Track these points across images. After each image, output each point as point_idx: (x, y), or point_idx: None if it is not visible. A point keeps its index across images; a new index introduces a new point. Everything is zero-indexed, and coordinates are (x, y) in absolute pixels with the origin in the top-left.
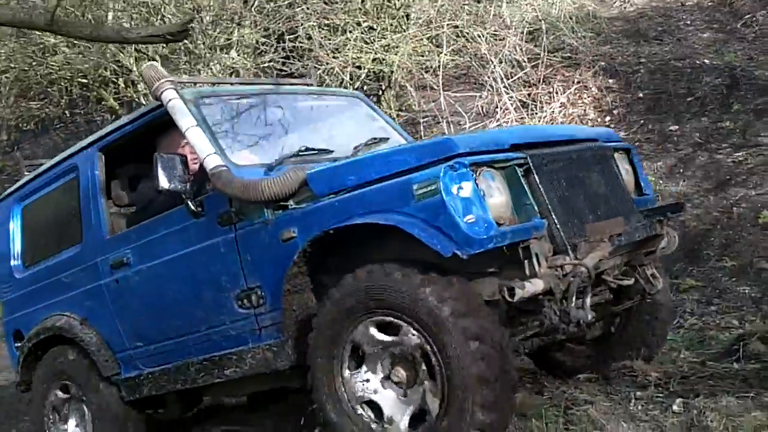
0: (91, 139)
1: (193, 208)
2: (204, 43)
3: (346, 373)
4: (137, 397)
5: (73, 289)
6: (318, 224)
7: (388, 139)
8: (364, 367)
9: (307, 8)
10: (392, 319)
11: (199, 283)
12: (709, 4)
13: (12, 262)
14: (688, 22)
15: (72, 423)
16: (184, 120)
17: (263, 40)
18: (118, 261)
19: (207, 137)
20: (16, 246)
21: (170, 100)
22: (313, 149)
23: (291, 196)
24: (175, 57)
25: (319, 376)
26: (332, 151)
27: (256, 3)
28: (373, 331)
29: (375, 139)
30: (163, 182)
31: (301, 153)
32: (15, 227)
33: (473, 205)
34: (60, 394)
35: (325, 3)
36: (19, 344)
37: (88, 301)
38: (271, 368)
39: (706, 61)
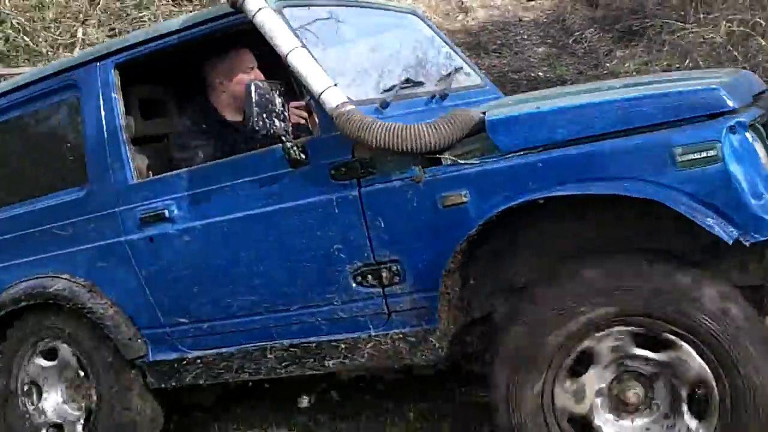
0: (102, 51)
1: (295, 154)
2: (46, 41)
3: (563, 385)
4: (173, 385)
5: (73, 244)
6: (506, 188)
7: (461, 68)
8: (586, 378)
9: (156, 11)
10: (657, 329)
11: (293, 249)
12: (544, 21)
13: None
14: (525, 37)
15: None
16: (284, 39)
17: (108, 40)
18: (154, 214)
19: (317, 64)
20: None
21: (259, 10)
22: (411, 80)
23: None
24: (15, 54)
25: (520, 384)
26: (424, 83)
27: (102, 2)
28: (623, 343)
29: (454, 68)
30: (259, 120)
31: (403, 86)
32: None
33: (759, 177)
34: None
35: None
36: None
37: (100, 262)
38: (402, 362)
39: (540, 73)
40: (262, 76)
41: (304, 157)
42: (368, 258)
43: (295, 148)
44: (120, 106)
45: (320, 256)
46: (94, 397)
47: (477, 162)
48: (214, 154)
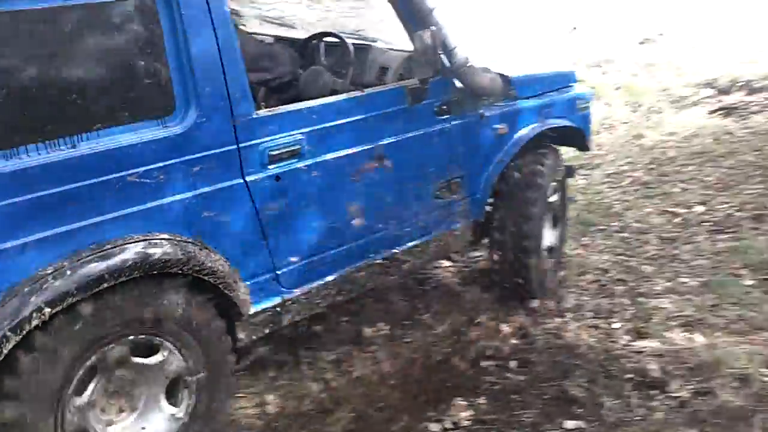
0: None
1: (417, 93)
2: None
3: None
4: (265, 332)
5: (163, 194)
6: (525, 123)
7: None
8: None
9: None
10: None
11: (403, 174)
12: None
13: None
14: None
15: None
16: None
17: None
18: (286, 150)
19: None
20: None
21: None
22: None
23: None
24: None
25: None
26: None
27: None
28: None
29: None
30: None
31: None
32: None
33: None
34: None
35: None
36: None
37: (206, 211)
38: (448, 252)
39: None
40: None
41: (421, 96)
42: (446, 176)
43: (417, 87)
44: (228, 13)
45: (420, 177)
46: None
47: (509, 104)
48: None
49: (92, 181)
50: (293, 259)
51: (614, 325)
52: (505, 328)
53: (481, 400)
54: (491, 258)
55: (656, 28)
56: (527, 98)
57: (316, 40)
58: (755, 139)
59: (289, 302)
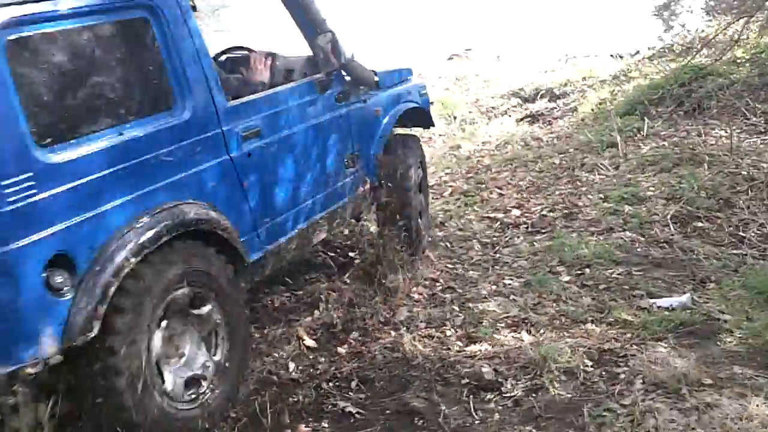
0: None
1: (323, 84)
2: None
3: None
4: (255, 282)
5: (180, 169)
6: (391, 106)
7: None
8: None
9: None
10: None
11: (327, 148)
12: None
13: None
14: None
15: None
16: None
17: None
18: (251, 131)
19: None
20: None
21: None
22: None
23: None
24: None
25: None
26: None
27: None
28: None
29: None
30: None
31: None
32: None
33: None
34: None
35: None
36: (66, 277)
37: (212, 181)
38: (360, 212)
39: None
40: None
41: (327, 86)
42: (350, 150)
43: (322, 79)
44: (198, 31)
45: (335, 151)
46: (223, 332)
47: (374, 94)
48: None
49: (138, 159)
50: (266, 219)
51: (447, 333)
52: (341, 350)
53: (324, 424)
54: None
55: (462, 44)
56: (388, 88)
57: (228, 53)
58: (560, 142)
59: (267, 256)
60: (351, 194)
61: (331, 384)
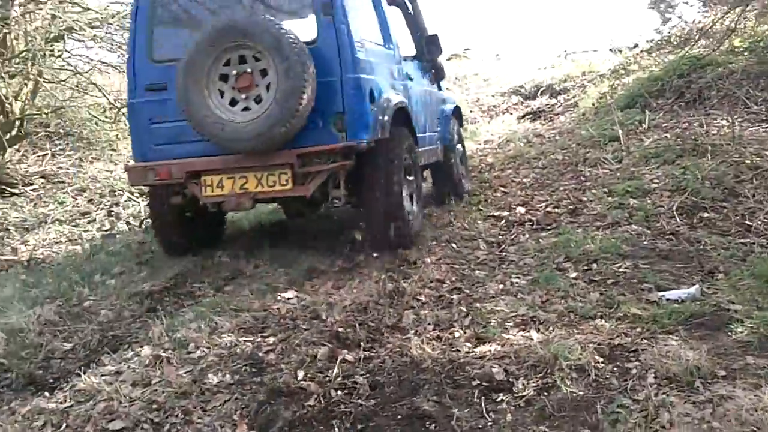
0: None
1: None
2: None
3: None
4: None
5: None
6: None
7: None
8: None
9: None
10: None
11: (430, 105)
12: None
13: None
14: None
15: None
16: None
17: None
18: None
19: None
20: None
21: None
22: None
23: None
24: None
25: None
26: None
27: None
28: None
29: None
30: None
31: None
32: None
33: None
34: None
35: None
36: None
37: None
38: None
39: None
40: None
41: (426, 70)
42: (437, 115)
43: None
44: None
45: (433, 111)
46: None
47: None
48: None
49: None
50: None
51: (455, 334)
52: (350, 357)
53: None
54: None
55: (461, 43)
56: None
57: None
58: (562, 138)
59: (420, 152)
60: (437, 143)
61: (340, 392)
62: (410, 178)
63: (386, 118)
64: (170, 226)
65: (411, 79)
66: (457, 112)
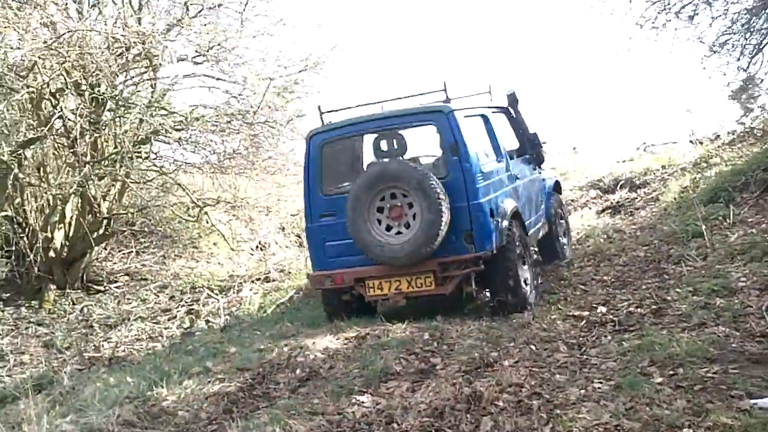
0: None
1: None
2: None
3: None
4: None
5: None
6: (549, 178)
7: None
8: None
9: None
10: None
11: (534, 190)
12: None
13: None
14: None
15: None
16: None
17: None
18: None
19: None
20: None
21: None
22: None
23: None
24: None
25: None
26: None
27: None
28: None
29: None
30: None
31: None
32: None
33: None
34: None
35: None
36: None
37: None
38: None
39: None
40: None
41: (530, 162)
42: (540, 197)
43: (528, 158)
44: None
45: (536, 193)
46: None
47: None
48: None
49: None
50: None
51: None
52: None
53: None
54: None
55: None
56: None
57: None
58: (643, 233)
59: (530, 235)
60: (541, 221)
61: None
62: (524, 267)
63: (505, 223)
64: (337, 312)
65: (518, 178)
66: (556, 186)
